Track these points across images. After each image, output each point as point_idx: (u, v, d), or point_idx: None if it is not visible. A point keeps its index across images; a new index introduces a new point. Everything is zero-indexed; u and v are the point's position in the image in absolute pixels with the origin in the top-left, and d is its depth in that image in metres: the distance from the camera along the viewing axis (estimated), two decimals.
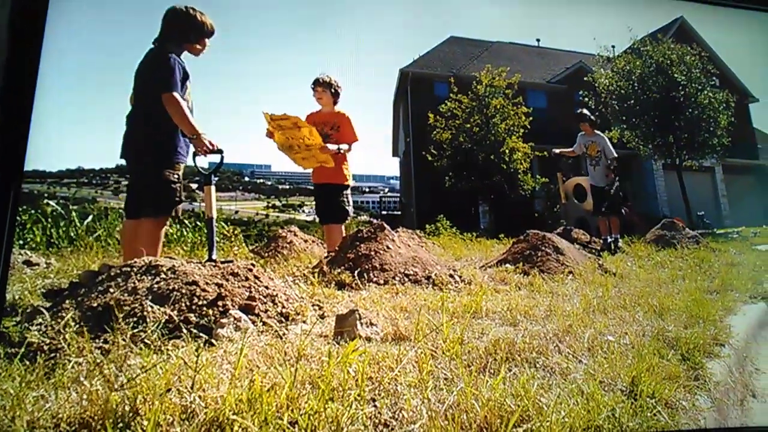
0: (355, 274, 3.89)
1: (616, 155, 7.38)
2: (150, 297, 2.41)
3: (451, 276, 4.14)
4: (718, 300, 3.88)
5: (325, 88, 4.98)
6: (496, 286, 4.10)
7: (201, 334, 2.19)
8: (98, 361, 1.79)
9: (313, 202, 5.11)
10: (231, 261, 2.94)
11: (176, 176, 3.46)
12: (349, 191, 5.09)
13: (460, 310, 3.06)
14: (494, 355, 2.21)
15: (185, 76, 3.53)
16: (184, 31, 3.57)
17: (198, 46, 3.65)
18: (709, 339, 2.77)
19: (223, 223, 5.95)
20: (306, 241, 5.90)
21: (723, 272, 5.10)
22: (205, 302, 2.48)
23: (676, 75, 13.01)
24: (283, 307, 2.71)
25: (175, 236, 6.08)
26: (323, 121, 5.00)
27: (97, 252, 5.09)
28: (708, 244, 7.49)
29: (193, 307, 2.44)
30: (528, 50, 18.64)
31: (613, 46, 14.70)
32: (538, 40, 19.04)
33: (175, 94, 3.36)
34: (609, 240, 7.23)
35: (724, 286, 4.43)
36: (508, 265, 4.97)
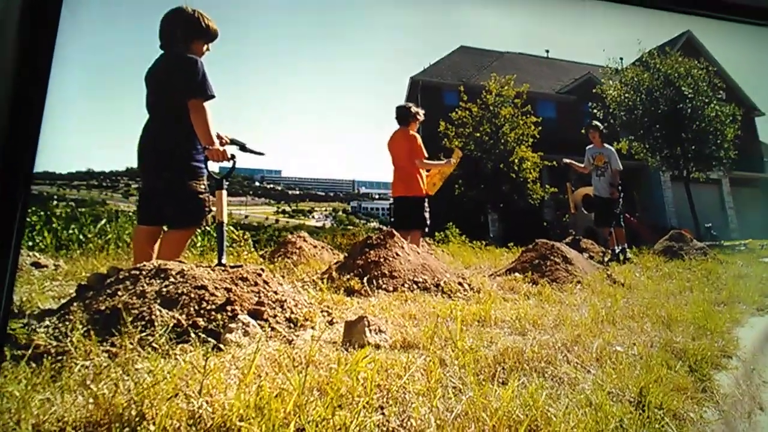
0: (365, 280, 3.90)
1: (620, 168, 7.38)
2: (158, 301, 2.41)
3: (460, 284, 4.14)
4: (725, 312, 3.86)
5: None
6: (505, 295, 4.10)
7: (209, 339, 2.20)
8: (105, 364, 1.80)
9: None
10: (240, 266, 2.94)
11: (203, 187, 3.40)
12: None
13: (469, 318, 3.05)
14: (503, 364, 2.21)
15: None
16: (189, 33, 3.42)
17: (204, 49, 3.50)
18: (717, 351, 2.77)
19: (232, 228, 5.95)
20: (315, 246, 5.90)
21: (730, 284, 5.07)
22: (213, 307, 2.48)
23: (683, 88, 13.06)
24: (292, 312, 2.71)
25: None
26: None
27: (107, 255, 5.10)
28: (715, 255, 7.44)
29: (202, 311, 2.44)
30: (537, 61, 18.65)
31: (621, 59, 14.72)
32: (547, 51, 19.06)
33: (205, 102, 3.28)
34: (617, 250, 7.21)
35: (731, 298, 4.41)
36: (517, 273, 4.96)
